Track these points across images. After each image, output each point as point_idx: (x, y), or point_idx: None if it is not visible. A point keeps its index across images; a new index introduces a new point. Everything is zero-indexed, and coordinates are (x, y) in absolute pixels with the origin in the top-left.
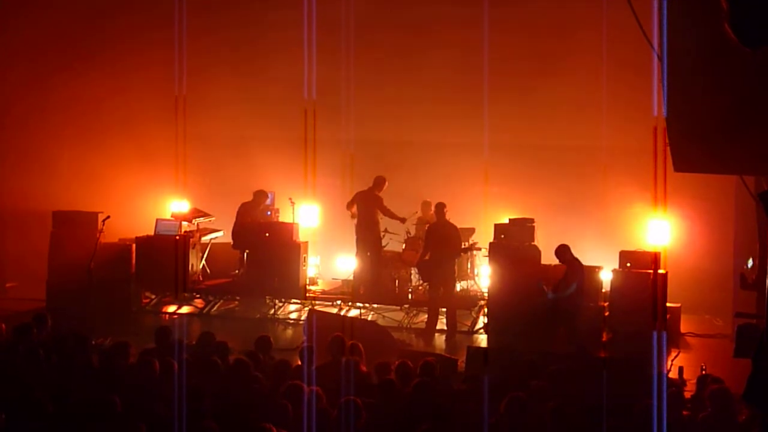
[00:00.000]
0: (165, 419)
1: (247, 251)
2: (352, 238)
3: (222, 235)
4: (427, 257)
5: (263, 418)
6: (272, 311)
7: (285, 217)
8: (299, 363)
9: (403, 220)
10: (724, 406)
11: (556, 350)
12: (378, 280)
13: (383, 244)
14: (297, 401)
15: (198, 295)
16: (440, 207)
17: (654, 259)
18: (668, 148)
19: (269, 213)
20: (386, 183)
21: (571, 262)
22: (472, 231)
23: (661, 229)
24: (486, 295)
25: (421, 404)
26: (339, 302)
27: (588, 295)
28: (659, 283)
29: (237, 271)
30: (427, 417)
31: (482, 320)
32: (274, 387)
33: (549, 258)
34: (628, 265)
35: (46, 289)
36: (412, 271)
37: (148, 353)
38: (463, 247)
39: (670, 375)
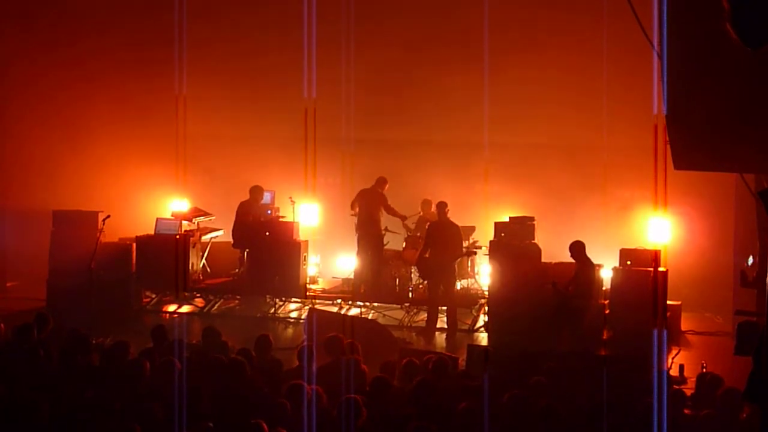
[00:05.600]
0: (162, 419)
1: (247, 250)
2: (353, 236)
3: (222, 234)
4: (426, 255)
5: (260, 417)
6: (272, 310)
7: (285, 215)
8: (299, 362)
9: (404, 218)
10: (736, 407)
11: (557, 348)
12: (378, 278)
13: (384, 242)
14: (297, 400)
15: (198, 294)
16: (441, 206)
17: (654, 257)
18: (668, 146)
19: (270, 212)
20: (387, 184)
21: (584, 262)
22: (472, 229)
23: (661, 227)
24: (486, 293)
25: (422, 402)
26: (339, 301)
27: (595, 294)
28: (660, 281)
29: (237, 270)
30: (427, 415)
31: (483, 318)
32: (271, 386)
33: (549, 256)
34: (629, 263)
35: (47, 289)
36: (413, 270)
37: (145, 353)
38: (464, 248)
39: (671, 373)
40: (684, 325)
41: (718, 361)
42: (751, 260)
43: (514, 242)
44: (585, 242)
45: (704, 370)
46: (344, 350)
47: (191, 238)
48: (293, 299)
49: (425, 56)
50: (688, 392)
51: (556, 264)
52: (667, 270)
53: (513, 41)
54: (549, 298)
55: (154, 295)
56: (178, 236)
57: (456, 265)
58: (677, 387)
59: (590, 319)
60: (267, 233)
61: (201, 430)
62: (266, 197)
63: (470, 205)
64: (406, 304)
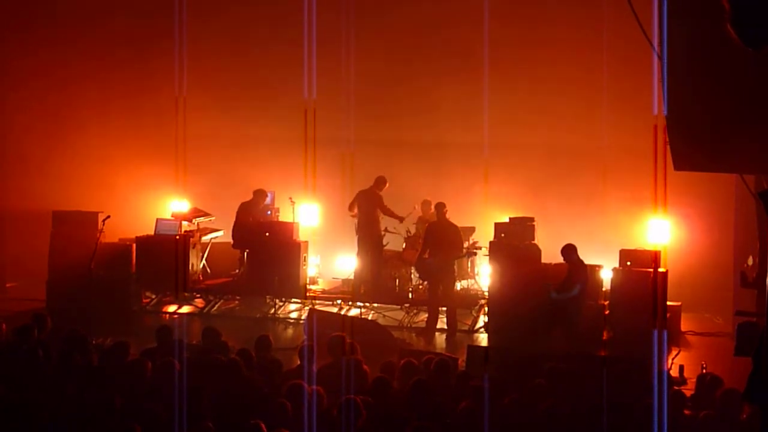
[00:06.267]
0: (162, 419)
1: (247, 251)
2: (353, 237)
3: (222, 235)
4: (426, 256)
5: (260, 418)
6: (272, 311)
7: (285, 216)
8: (299, 362)
9: (401, 219)
10: (735, 408)
11: (557, 349)
12: (378, 279)
13: (384, 243)
14: (297, 401)
15: (198, 295)
16: (440, 206)
17: (654, 258)
18: (668, 147)
19: (269, 212)
20: (387, 183)
21: (576, 264)
22: (472, 230)
23: (661, 228)
24: (486, 294)
25: (420, 403)
26: (339, 301)
27: (589, 295)
28: (659, 282)
29: (237, 271)
30: (426, 416)
31: (483, 319)
32: (271, 387)
33: (549, 257)
34: (629, 263)
35: (47, 289)
36: (413, 271)
37: (148, 353)
38: (464, 249)
39: (671, 373)
40: (684, 326)
41: (718, 361)
42: (750, 261)
43: (514, 243)
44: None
45: (704, 370)
46: (346, 350)
47: (191, 239)
48: (293, 300)
49: (425, 56)
50: (688, 393)
51: (556, 265)
52: (666, 271)
53: (513, 42)
54: (546, 301)
55: (153, 296)
56: (178, 237)
57: (456, 266)
58: (677, 388)
59: (586, 321)
60: (267, 234)
61: (201, 430)
62: (266, 198)
63: (470, 205)
64: (406, 305)
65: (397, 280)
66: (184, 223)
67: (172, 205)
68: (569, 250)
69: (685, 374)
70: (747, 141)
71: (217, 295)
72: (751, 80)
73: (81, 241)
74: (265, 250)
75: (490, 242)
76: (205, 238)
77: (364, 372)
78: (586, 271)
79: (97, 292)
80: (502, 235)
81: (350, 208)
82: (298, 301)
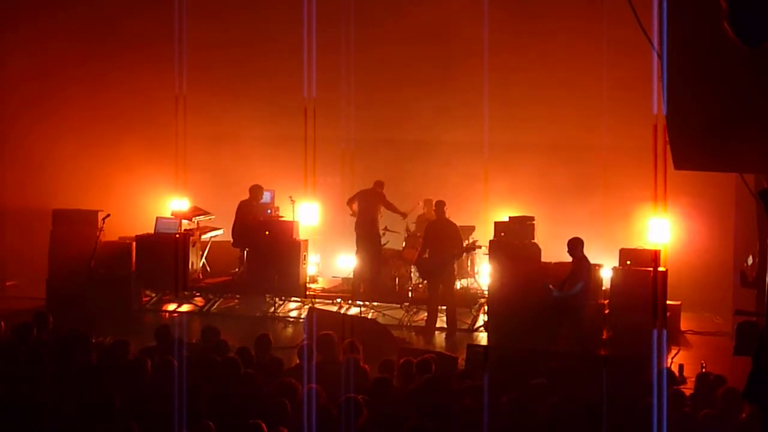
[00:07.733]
0: (161, 418)
1: (247, 249)
2: (352, 236)
3: (222, 234)
4: (426, 255)
5: (260, 417)
6: (272, 309)
7: (285, 215)
8: (298, 361)
9: (404, 215)
10: (736, 407)
11: (557, 348)
12: (378, 278)
13: (383, 242)
14: (291, 399)
15: (198, 294)
16: (440, 205)
17: (654, 257)
18: (668, 146)
19: (269, 211)
20: (384, 186)
21: (580, 259)
22: (472, 229)
23: (661, 227)
24: (486, 293)
25: (421, 402)
26: (339, 300)
27: (591, 292)
28: (659, 281)
29: (237, 270)
30: (426, 415)
31: (482, 318)
32: (267, 385)
33: (549, 256)
34: (629, 262)
35: (47, 288)
36: (412, 269)
37: (148, 352)
38: (464, 246)
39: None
40: (684, 325)
41: (717, 361)
42: (750, 260)
43: (514, 242)
44: (585, 242)
45: (704, 370)
46: (336, 349)
47: (191, 237)
48: (293, 298)
49: (426, 56)
50: (688, 392)
51: (556, 264)
52: (666, 270)
53: (513, 42)
54: (546, 299)
55: (153, 294)
56: (177, 235)
57: (456, 265)
58: (676, 387)
59: (588, 318)
60: (267, 232)
61: (200, 429)
62: (266, 196)
63: (470, 205)
64: (406, 304)
65: (397, 279)
66: (184, 221)
67: (172, 204)
68: (575, 244)
69: (685, 373)
70: (747, 141)
71: (216, 294)
72: (750, 80)
73: (81, 240)
74: (265, 249)
75: (490, 241)
76: (205, 237)
77: (363, 371)
78: (590, 269)
79: (97, 290)
80: (502, 234)
81: (349, 203)
82: (298, 299)
